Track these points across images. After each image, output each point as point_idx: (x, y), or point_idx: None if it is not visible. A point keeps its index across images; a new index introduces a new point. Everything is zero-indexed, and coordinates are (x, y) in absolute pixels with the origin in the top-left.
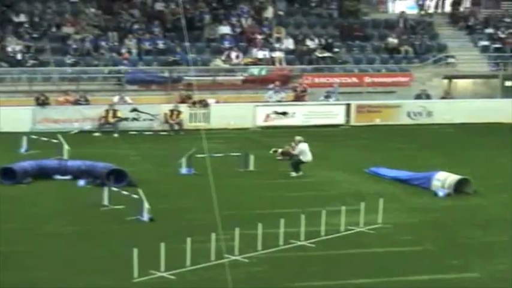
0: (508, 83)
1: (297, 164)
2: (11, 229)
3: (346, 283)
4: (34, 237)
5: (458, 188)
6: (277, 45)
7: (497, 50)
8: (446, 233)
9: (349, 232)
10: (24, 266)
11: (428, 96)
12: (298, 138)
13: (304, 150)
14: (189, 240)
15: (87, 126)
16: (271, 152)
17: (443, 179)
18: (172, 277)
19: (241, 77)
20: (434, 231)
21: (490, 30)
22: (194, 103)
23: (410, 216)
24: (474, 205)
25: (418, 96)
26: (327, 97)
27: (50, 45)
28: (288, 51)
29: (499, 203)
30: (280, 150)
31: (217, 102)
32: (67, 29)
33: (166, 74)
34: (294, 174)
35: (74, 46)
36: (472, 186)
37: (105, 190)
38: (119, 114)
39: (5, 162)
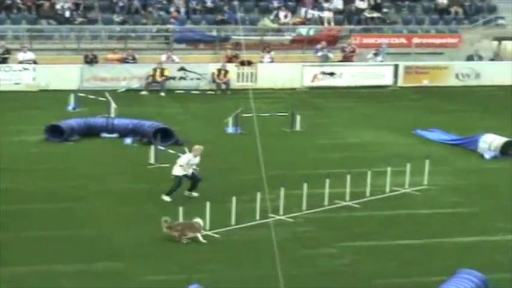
0: None
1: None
2: (58, 187)
3: (392, 244)
4: (82, 195)
5: (505, 150)
6: (326, 5)
7: None
8: (493, 195)
9: (395, 193)
10: (74, 222)
11: (480, 57)
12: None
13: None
14: (234, 199)
15: (135, 84)
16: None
17: (490, 141)
18: (217, 236)
19: (289, 37)
20: (481, 194)
21: None
22: (242, 63)
23: (457, 178)
24: None
25: (470, 57)
26: (376, 55)
27: (99, 3)
28: (336, 11)
29: None
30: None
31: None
32: None
33: (214, 33)
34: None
35: (122, 4)
36: None
37: (152, 148)
38: (166, 73)
39: (52, 120)
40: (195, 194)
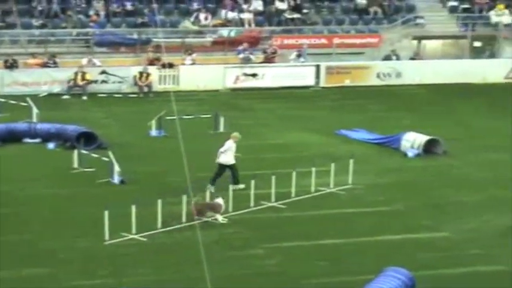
0: (476, 44)
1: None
2: None
3: (319, 243)
4: (6, 200)
5: (428, 148)
6: (245, 7)
7: (465, 10)
8: (417, 193)
9: (320, 193)
10: None
11: (398, 57)
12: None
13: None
14: (160, 202)
15: (56, 88)
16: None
17: (412, 140)
18: (143, 239)
19: (210, 39)
20: (405, 192)
21: None
22: (163, 65)
23: (381, 177)
24: (444, 165)
25: (387, 57)
26: (299, 56)
27: (17, 8)
28: (257, 13)
29: (468, 163)
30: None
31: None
32: None
33: (135, 36)
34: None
35: (41, 8)
36: (442, 147)
37: (75, 153)
38: (88, 76)
39: None
40: (241, 186)
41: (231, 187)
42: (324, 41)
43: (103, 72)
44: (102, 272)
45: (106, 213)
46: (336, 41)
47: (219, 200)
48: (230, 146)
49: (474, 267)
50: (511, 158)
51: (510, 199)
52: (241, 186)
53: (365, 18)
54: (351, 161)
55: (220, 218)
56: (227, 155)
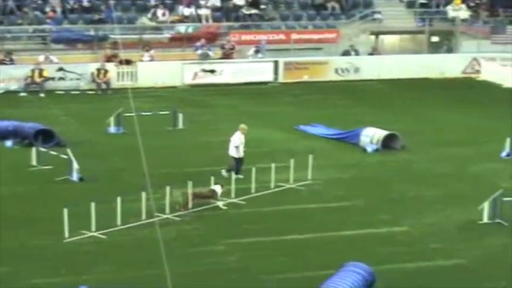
0: (434, 39)
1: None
2: None
3: (279, 239)
4: None
5: (387, 143)
6: (203, 2)
7: (423, 5)
8: (376, 188)
9: (280, 189)
10: None
11: (357, 52)
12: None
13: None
14: (119, 199)
15: (13, 86)
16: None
17: (371, 135)
18: (103, 237)
19: (168, 35)
20: (364, 187)
21: None
22: (121, 62)
23: (340, 172)
24: (403, 160)
25: (345, 52)
26: (257, 52)
27: None
28: (214, 9)
29: (426, 157)
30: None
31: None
32: None
33: (92, 33)
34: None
35: None
36: (400, 142)
37: (33, 150)
38: (45, 73)
39: None
40: (241, 176)
41: (223, 172)
42: (282, 36)
43: (60, 69)
44: (62, 270)
45: (65, 210)
46: (294, 36)
47: (216, 187)
48: (235, 138)
49: (434, 261)
50: (469, 152)
51: (469, 193)
52: (225, 175)
53: (323, 13)
54: (310, 157)
55: (220, 204)
56: (230, 147)
